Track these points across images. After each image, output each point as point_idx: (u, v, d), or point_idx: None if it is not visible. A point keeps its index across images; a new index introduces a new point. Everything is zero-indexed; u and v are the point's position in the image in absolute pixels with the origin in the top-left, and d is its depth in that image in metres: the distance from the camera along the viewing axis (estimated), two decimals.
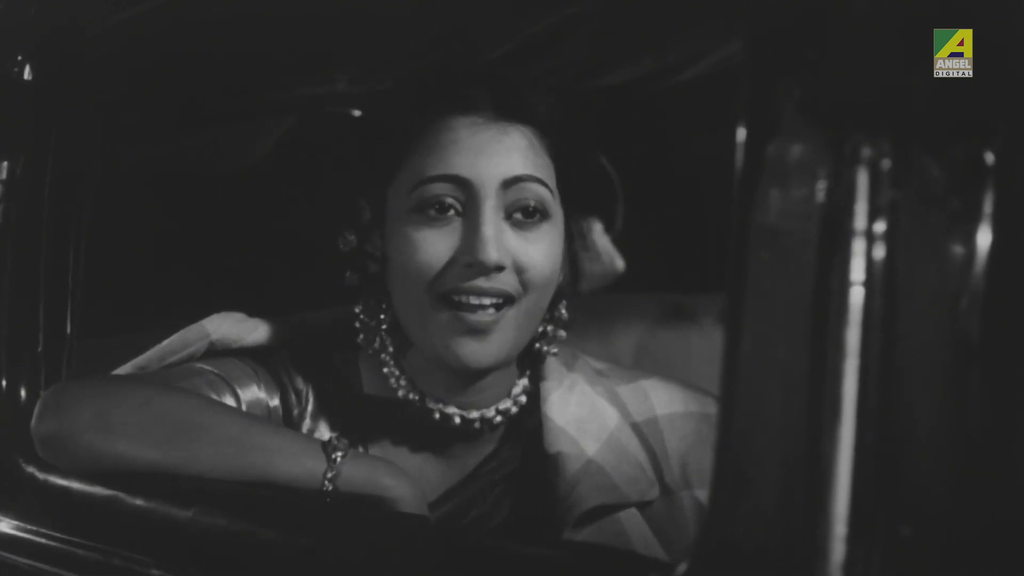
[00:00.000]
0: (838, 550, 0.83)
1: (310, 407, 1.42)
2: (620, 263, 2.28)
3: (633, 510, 1.39)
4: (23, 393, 1.57)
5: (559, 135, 1.36)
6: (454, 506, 1.40)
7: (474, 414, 1.39)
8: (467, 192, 1.31)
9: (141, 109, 1.77)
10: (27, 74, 1.60)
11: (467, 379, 1.37)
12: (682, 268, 2.26)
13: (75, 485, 1.36)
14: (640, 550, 1.35)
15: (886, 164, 0.83)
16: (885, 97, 0.85)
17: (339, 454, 1.26)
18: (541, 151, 1.34)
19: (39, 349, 1.59)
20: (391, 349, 1.40)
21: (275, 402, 1.41)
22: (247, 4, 1.46)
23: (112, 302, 1.74)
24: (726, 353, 0.90)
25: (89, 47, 1.58)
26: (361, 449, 1.39)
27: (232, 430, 1.29)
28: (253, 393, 1.40)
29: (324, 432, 1.40)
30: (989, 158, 0.82)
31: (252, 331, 1.46)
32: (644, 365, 2.03)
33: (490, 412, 1.40)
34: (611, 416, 1.43)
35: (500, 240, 1.30)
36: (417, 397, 1.39)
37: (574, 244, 1.42)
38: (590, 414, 1.43)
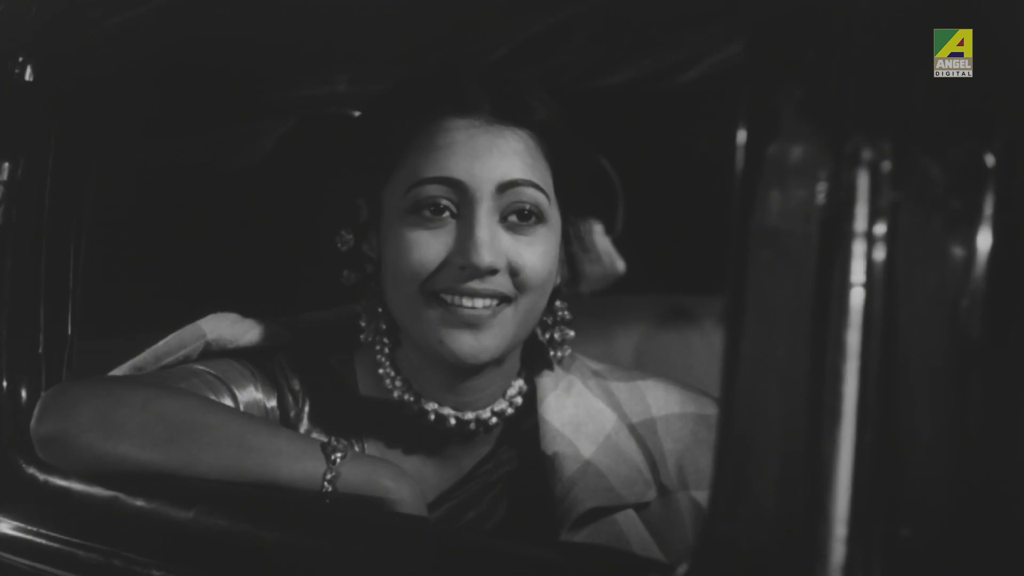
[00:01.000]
0: (838, 551, 0.83)
1: (307, 408, 1.42)
2: (621, 265, 2.28)
3: (630, 512, 1.39)
4: (24, 394, 1.57)
5: (557, 139, 1.36)
6: (451, 507, 1.40)
7: (469, 415, 1.40)
8: (462, 194, 1.31)
9: (141, 110, 1.77)
10: (28, 75, 1.60)
11: (462, 379, 1.37)
12: (682, 269, 2.26)
13: (76, 486, 1.36)
14: (638, 551, 1.35)
15: (886, 166, 0.83)
16: (885, 99, 0.85)
17: (338, 455, 1.26)
18: (538, 155, 1.34)
19: (40, 350, 1.59)
20: (387, 350, 1.40)
21: (272, 403, 1.41)
22: (247, 5, 1.46)
23: (111, 304, 1.74)
24: (726, 354, 0.90)
25: (90, 48, 1.58)
26: (358, 450, 1.39)
27: (232, 431, 1.29)
28: (250, 394, 1.40)
29: (321, 433, 1.40)
30: (989, 160, 0.82)
31: (248, 332, 1.46)
32: (644, 366, 2.03)
33: (485, 413, 1.40)
34: (608, 418, 1.43)
35: (494, 243, 1.30)
36: (412, 398, 1.39)
37: (571, 247, 1.42)
38: (587, 416, 1.43)
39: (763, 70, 0.91)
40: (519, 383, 1.43)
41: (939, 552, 0.83)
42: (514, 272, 1.32)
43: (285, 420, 1.41)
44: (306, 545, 1.21)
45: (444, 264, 1.31)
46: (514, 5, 1.39)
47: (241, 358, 1.43)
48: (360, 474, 1.26)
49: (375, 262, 1.39)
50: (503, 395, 1.42)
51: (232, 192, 2.15)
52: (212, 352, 1.44)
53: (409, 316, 1.34)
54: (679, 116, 2.26)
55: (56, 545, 1.38)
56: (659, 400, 1.46)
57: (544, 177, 1.34)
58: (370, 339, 1.40)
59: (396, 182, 1.34)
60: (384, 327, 1.40)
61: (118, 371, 1.47)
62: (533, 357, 1.44)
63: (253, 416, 1.38)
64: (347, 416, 1.41)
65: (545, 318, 1.41)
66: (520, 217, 1.32)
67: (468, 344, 1.31)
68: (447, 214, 1.32)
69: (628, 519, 1.38)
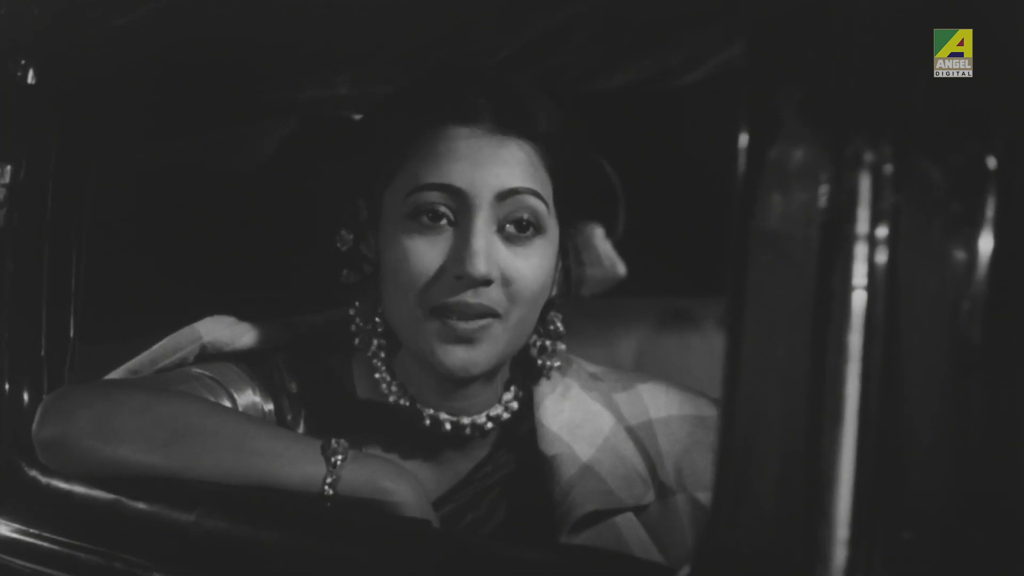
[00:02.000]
0: (839, 554, 0.83)
1: (304, 411, 1.42)
2: (621, 267, 2.28)
3: (629, 514, 1.39)
4: (26, 397, 1.57)
5: (558, 150, 1.36)
6: (449, 511, 1.40)
7: (465, 420, 1.40)
8: (460, 202, 1.31)
9: (142, 111, 1.77)
10: (30, 78, 1.60)
11: (457, 385, 1.37)
12: (683, 272, 2.26)
13: (77, 489, 1.36)
14: (637, 554, 1.35)
15: (888, 168, 0.83)
16: (886, 99, 0.85)
17: (339, 457, 1.26)
18: (539, 165, 1.34)
19: (42, 353, 1.59)
20: (383, 354, 1.40)
21: (269, 406, 1.41)
22: (248, 7, 1.46)
23: (109, 306, 1.74)
24: (727, 357, 0.90)
25: (91, 51, 1.58)
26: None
27: (231, 434, 1.29)
28: (248, 397, 1.40)
29: (318, 437, 1.40)
30: (990, 162, 0.82)
31: (244, 335, 1.46)
32: (645, 368, 2.03)
33: (481, 418, 1.40)
34: (606, 420, 1.43)
35: (490, 253, 1.30)
36: (408, 402, 1.39)
37: (568, 258, 1.42)
38: (584, 419, 1.42)
39: (763, 70, 0.91)
40: (515, 388, 1.43)
41: (940, 555, 0.83)
42: (507, 282, 1.32)
43: (282, 423, 1.41)
44: (308, 548, 1.20)
45: (440, 273, 1.31)
46: (514, 5, 1.39)
47: (238, 361, 1.43)
48: (360, 476, 1.26)
49: (373, 263, 1.39)
50: (499, 400, 1.42)
51: (232, 193, 2.15)
52: (208, 355, 1.44)
53: (405, 324, 1.34)
54: (680, 118, 2.26)
55: (57, 548, 1.37)
56: (657, 402, 1.46)
57: (544, 186, 1.34)
58: (362, 345, 1.40)
59: (396, 186, 1.34)
60: (381, 332, 1.40)
61: (114, 375, 1.47)
62: (526, 364, 1.44)
63: (253, 418, 1.38)
64: (344, 419, 1.41)
65: (538, 327, 1.41)
66: (518, 227, 1.32)
67: (460, 358, 1.31)
68: (444, 221, 1.31)
69: (627, 522, 1.38)
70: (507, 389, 1.43)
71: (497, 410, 1.41)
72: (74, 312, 1.62)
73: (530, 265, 1.33)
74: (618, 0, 1.35)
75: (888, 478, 0.83)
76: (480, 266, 1.29)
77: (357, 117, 1.89)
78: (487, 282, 1.30)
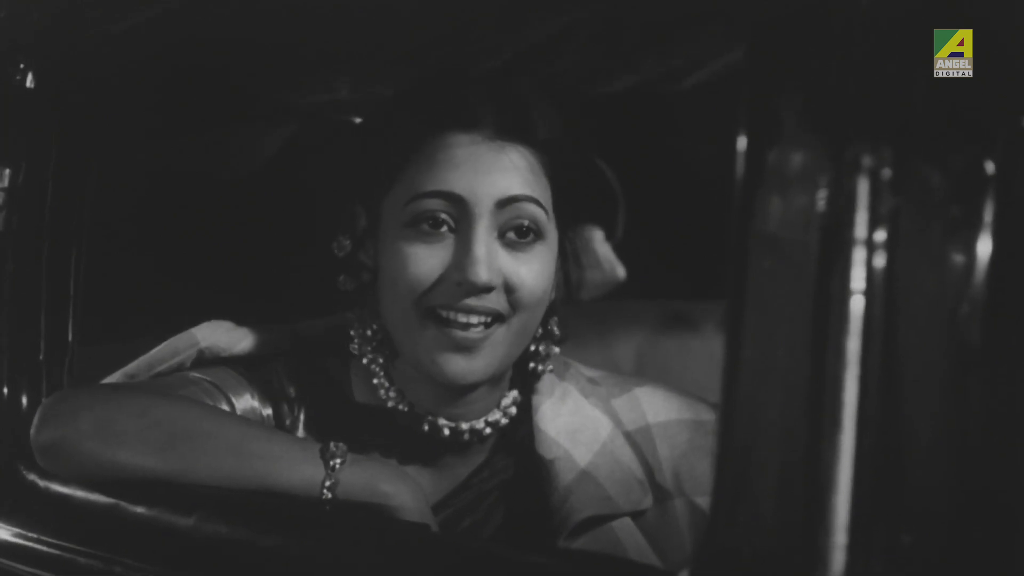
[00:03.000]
0: (838, 558, 0.82)
1: (302, 416, 1.42)
2: (621, 271, 2.28)
3: (627, 519, 1.39)
4: (25, 400, 1.57)
5: (558, 156, 1.35)
6: (447, 516, 1.39)
7: (464, 426, 1.39)
8: (461, 209, 1.31)
9: (142, 113, 1.77)
10: (29, 81, 1.60)
11: (456, 393, 1.37)
12: (683, 275, 2.26)
13: (76, 493, 1.36)
14: (635, 559, 1.35)
15: (887, 172, 0.83)
16: (886, 101, 0.85)
17: (337, 460, 1.26)
18: (539, 172, 1.34)
19: (41, 356, 1.59)
20: (381, 360, 1.40)
21: (268, 411, 1.41)
22: (248, 8, 1.46)
23: (109, 306, 1.73)
24: (727, 361, 0.90)
25: (91, 54, 1.58)
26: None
27: (230, 437, 1.28)
28: (247, 402, 1.40)
29: (317, 441, 1.40)
30: (989, 166, 0.82)
31: (242, 340, 1.46)
32: (645, 372, 2.03)
33: (479, 424, 1.40)
34: (604, 425, 1.43)
35: (491, 260, 1.30)
36: (406, 407, 1.39)
37: (568, 263, 1.42)
38: (582, 424, 1.42)
39: (763, 71, 0.91)
40: (513, 393, 1.43)
41: (940, 558, 0.83)
42: (509, 289, 1.31)
43: (281, 428, 1.40)
44: (307, 551, 1.20)
45: (441, 280, 1.30)
46: (514, 6, 1.39)
47: (236, 366, 1.43)
48: (359, 480, 1.26)
49: (371, 271, 1.38)
50: (497, 405, 1.42)
51: (232, 194, 2.15)
52: (206, 360, 1.44)
53: (403, 332, 1.34)
54: (679, 122, 2.26)
55: (57, 552, 1.37)
56: (655, 407, 1.46)
57: (544, 193, 1.34)
58: (359, 351, 1.40)
59: (396, 193, 1.34)
60: (379, 338, 1.40)
61: (111, 379, 1.47)
62: (527, 373, 1.44)
63: (252, 422, 1.38)
64: (343, 424, 1.41)
65: (537, 332, 1.41)
66: (518, 234, 1.32)
67: (459, 366, 1.31)
68: (445, 228, 1.31)
69: (625, 527, 1.38)
70: (506, 394, 1.43)
71: (496, 416, 1.41)
72: (73, 316, 1.62)
73: (531, 271, 1.33)
74: (618, 1, 1.35)
75: (887, 481, 0.82)
76: (482, 273, 1.29)
77: (357, 121, 1.89)
78: (489, 288, 1.30)
